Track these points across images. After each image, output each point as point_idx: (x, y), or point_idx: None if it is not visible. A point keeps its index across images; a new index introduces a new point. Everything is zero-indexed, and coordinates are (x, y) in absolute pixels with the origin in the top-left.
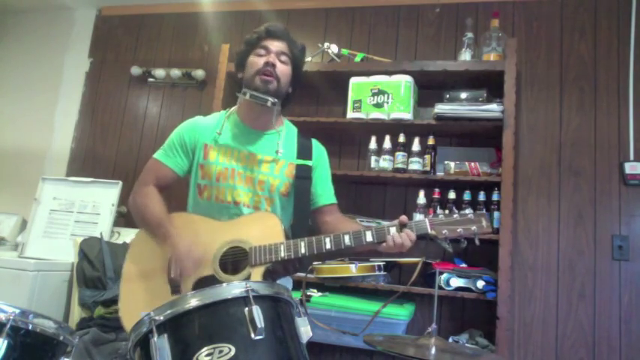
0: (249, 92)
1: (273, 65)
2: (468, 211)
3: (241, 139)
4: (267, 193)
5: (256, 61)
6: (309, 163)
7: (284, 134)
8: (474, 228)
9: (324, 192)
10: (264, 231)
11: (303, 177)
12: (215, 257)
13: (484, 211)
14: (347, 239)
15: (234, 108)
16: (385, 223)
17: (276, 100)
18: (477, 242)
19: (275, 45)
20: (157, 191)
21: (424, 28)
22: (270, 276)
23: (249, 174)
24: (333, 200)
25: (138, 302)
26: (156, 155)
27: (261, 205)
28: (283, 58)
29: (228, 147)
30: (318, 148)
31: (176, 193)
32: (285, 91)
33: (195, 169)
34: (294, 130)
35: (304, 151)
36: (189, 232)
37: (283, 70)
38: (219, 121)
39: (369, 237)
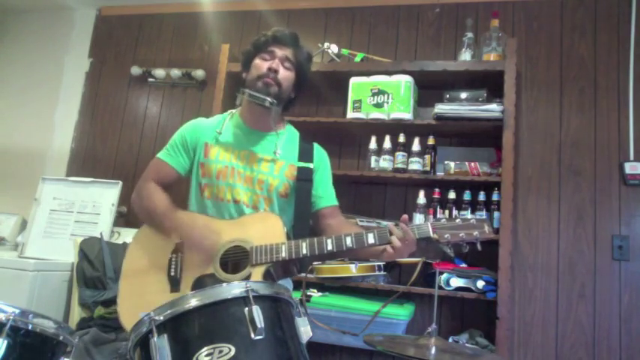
0: (248, 91)
1: (276, 71)
2: (471, 215)
3: (242, 138)
4: (266, 193)
5: (260, 65)
6: (310, 165)
7: (285, 137)
8: (476, 233)
9: (325, 194)
10: (266, 231)
11: (304, 179)
12: (216, 256)
13: (485, 215)
14: (349, 241)
15: (236, 109)
16: (385, 223)
17: (274, 100)
18: (479, 247)
19: (280, 51)
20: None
21: (424, 28)
22: (270, 276)
23: (249, 173)
24: (335, 202)
25: (136, 299)
26: (158, 155)
27: (259, 204)
28: (287, 64)
29: (228, 145)
30: (319, 151)
31: (176, 193)
32: (286, 96)
33: (196, 167)
34: (296, 133)
35: (305, 154)
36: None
37: (286, 75)
38: (221, 121)
39: (370, 239)
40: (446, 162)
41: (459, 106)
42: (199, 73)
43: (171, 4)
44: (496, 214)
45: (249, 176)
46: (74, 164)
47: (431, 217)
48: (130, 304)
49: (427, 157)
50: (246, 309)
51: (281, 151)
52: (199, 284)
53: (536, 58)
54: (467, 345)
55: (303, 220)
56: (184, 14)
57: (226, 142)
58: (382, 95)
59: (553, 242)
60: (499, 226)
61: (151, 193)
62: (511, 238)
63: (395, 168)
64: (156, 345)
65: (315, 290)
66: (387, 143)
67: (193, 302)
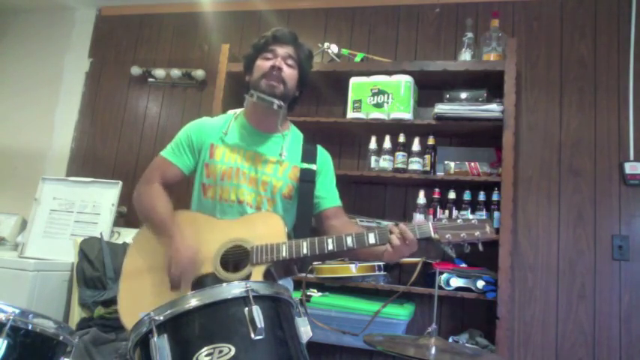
0: (256, 94)
1: (280, 69)
2: (472, 216)
3: (247, 139)
4: (270, 194)
5: (263, 64)
6: (313, 167)
7: (289, 138)
8: (477, 234)
9: (328, 195)
10: (267, 231)
11: (307, 181)
12: (216, 255)
13: (485, 215)
14: (349, 241)
15: (241, 110)
16: (386, 223)
17: (282, 102)
18: (481, 248)
19: (282, 49)
20: (163, 189)
21: (424, 28)
22: (270, 276)
23: (253, 174)
24: (338, 203)
25: (137, 298)
26: (163, 153)
27: (263, 205)
28: (290, 62)
29: (234, 146)
30: (322, 153)
31: (177, 192)
32: (291, 94)
33: (200, 168)
34: (300, 135)
35: (309, 156)
36: (191, 230)
37: (290, 73)
38: (226, 122)
39: (371, 239)
40: (446, 162)
41: (459, 106)
42: (199, 73)
43: (171, 4)
44: (496, 214)
45: (253, 177)
46: (74, 164)
47: (431, 217)
48: (130, 303)
49: (427, 157)
50: (246, 309)
51: (286, 152)
52: (199, 283)
53: (536, 58)
54: (467, 345)
55: (305, 221)
56: (184, 14)
57: (233, 143)
58: (382, 95)
59: (553, 242)
60: (499, 226)
61: (153, 197)
62: (511, 238)
63: (395, 168)
64: (156, 345)
65: (315, 290)
66: (387, 143)
67: (193, 302)
